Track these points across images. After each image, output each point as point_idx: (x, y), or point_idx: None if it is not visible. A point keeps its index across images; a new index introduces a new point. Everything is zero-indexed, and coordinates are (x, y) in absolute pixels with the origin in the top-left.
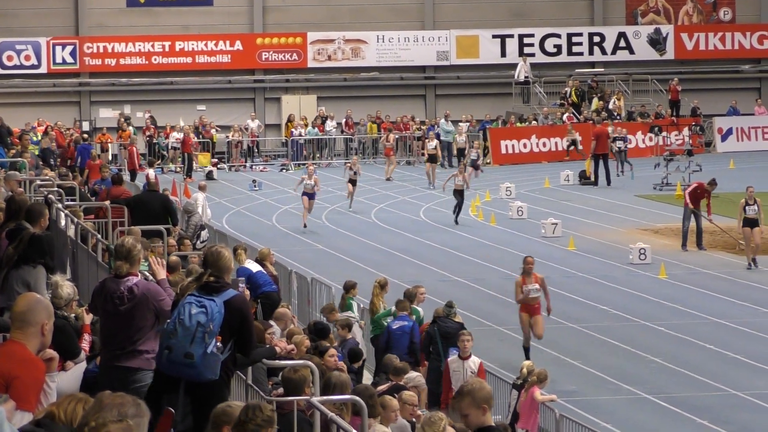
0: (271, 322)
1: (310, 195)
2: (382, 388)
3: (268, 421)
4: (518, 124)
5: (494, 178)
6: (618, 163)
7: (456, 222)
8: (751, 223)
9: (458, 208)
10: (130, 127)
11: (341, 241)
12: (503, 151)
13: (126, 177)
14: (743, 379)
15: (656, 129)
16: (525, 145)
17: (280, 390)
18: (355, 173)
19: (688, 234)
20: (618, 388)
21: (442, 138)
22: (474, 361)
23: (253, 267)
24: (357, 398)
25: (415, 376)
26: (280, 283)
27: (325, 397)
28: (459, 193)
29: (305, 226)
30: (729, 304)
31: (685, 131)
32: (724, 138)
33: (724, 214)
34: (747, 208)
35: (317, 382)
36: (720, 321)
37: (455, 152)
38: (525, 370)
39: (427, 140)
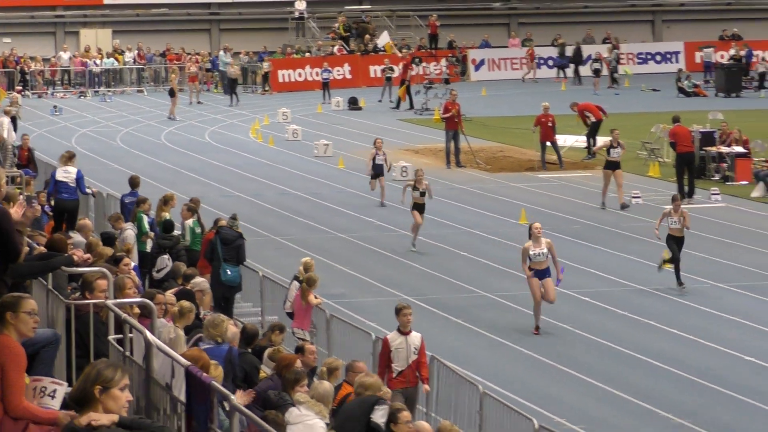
0: (71, 233)
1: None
2: (170, 292)
3: (9, 305)
4: (295, 56)
5: (272, 104)
6: (387, 90)
7: (680, 283)
8: (612, 165)
9: (677, 262)
10: None
11: (134, 161)
12: (281, 79)
13: None
14: (493, 282)
15: (417, 60)
16: (300, 75)
17: (78, 294)
18: (422, 194)
19: (450, 153)
20: (381, 291)
21: (221, 68)
22: (416, 336)
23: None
24: (147, 301)
25: (201, 281)
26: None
27: (118, 300)
28: (676, 241)
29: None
30: (481, 216)
31: (443, 62)
32: (477, 68)
33: (477, 136)
34: (611, 150)
35: (112, 287)
36: (474, 231)
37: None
38: (302, 268)
39: (172, 74)
